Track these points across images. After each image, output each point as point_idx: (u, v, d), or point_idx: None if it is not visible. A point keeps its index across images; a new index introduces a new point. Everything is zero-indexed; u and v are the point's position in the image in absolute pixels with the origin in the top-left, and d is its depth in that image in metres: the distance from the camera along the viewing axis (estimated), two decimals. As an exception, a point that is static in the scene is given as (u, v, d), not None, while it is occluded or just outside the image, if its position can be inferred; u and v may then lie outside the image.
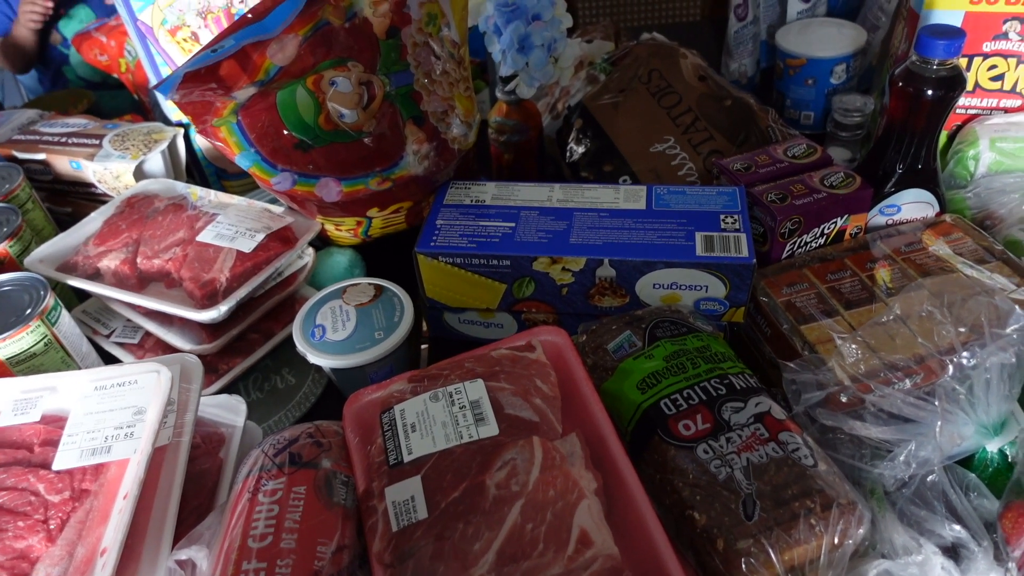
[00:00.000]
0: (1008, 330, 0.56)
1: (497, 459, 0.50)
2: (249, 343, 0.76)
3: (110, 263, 0.76)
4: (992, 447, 0.56)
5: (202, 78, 0.63)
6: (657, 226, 0.69)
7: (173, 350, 0.73)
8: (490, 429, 0.52)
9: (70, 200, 0.95)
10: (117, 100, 1.31)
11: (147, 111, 1.18)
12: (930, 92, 0.69)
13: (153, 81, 0.94)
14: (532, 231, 0.70)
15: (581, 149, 0.90)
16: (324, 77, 0.68)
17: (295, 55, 0.65)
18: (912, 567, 0.48)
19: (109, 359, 0.76)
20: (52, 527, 0.51)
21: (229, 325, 0.73)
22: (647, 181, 0.85)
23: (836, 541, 0.47)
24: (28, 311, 0.67)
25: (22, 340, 0.66)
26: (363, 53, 0.69)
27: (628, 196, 0.74)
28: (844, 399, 0.56)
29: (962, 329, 0.58)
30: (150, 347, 0.76)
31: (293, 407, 0.73)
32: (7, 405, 0.58)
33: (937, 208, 0.77)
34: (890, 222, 0.77)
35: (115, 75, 1.27)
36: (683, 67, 0.91)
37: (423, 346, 0.80)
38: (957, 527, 0.50)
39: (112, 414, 0.56)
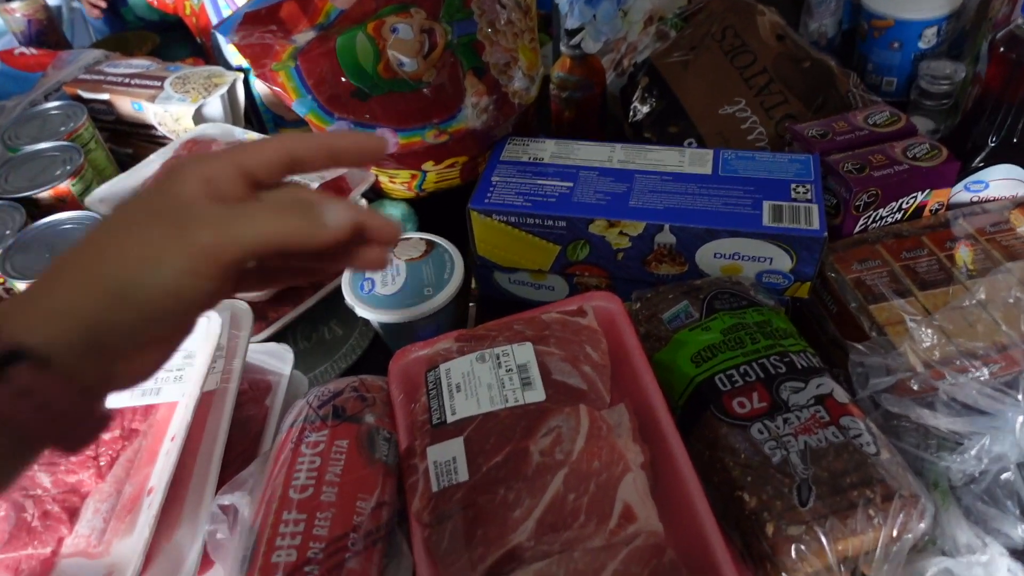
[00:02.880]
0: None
1: (542, 425, 0.49)
2: (298, 292, 0.76)
3: (167, 206, 0.77)
4: (1074, 447, 0.52)
5: (262, 19, 0.62)
6: (723, 193, 0.66)
7: (224, 296, 0.73)
8: (537, 394, 0.51)
9: (132, 141, 0.96)
10: (179, 43, 1.32)
11: (208, 55, 1.18)
12: (1033, 59, 0.63)
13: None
14: (590, 192, 0.68)
15: (646, 108, 0.86)
16: (386, 23, 0.66)
17: (356, -1, 0.64)
18: (976, 567, 0.45)
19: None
20: (102, 464, 0.52)
21: (280, 273, 0.73)
22: (714, 145, 0.81)
23: (895, 534, 0.45)
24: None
25: (80, 278, 0.67)
26: (426, -1, 0.67)
27: (693, 160, 0.70)
28: (915, 386, 0.53)
29: (1052, 319, 0.54)
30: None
31: (339, 358, 0.73)
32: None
33: (1029, 187, 0.71)
34: (975, 199, 0.72)
35: (179, 16, 1.27)
36: (760, 25, 0.86)
37: (470, 304, 0.79)
38: (1029, 529, 0.47)
39: (162, 356, 0.56)
